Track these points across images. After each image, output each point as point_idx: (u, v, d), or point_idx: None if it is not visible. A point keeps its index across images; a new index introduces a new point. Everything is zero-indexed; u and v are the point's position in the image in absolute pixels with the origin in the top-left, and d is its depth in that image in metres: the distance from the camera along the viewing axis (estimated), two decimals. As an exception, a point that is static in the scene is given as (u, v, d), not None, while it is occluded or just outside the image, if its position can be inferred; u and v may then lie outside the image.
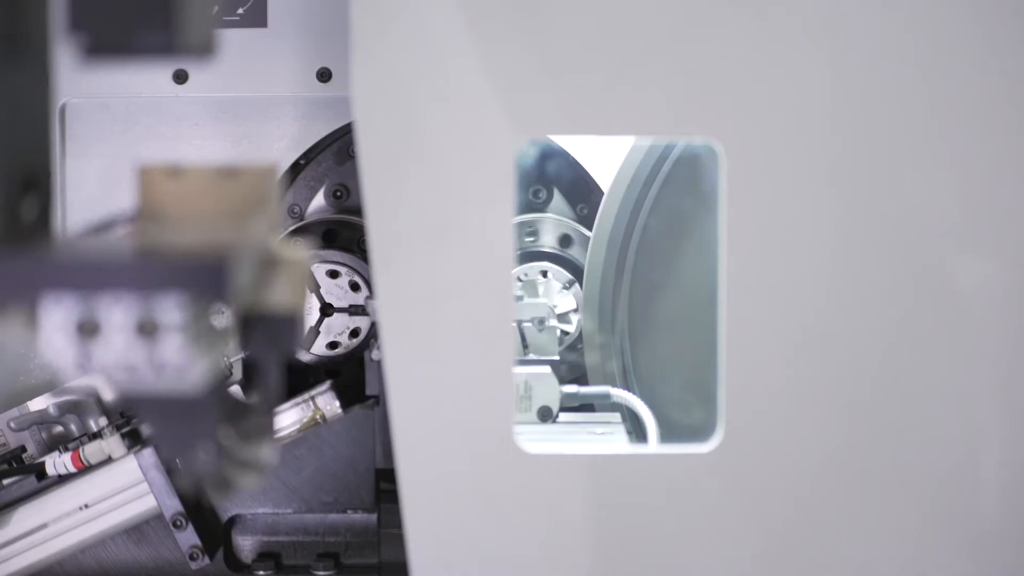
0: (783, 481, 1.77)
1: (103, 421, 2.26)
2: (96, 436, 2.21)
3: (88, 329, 1.11)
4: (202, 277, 1.12)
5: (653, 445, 2.27)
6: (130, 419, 2.29)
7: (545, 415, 2.30)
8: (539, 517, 1.78)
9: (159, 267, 1.12)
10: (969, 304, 1.75)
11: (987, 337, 1.75)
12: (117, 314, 1.11)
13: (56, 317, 1.11)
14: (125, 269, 1.12)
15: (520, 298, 2.47)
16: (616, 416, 2.43)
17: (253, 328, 1.26)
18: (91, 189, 2.38)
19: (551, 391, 2.30)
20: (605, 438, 2.30)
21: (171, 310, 1.11)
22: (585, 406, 2.42)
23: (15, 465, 2.25)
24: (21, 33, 1.16)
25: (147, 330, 1.11)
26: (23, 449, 2.29)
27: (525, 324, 2.40)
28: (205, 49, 1.18)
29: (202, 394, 1.18)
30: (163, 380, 1.13)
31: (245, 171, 1.31)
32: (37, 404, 2.30)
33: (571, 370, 2.56)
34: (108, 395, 2.32)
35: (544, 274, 2.55)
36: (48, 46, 1.21)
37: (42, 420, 2.28)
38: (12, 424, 2.29)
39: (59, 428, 2.29)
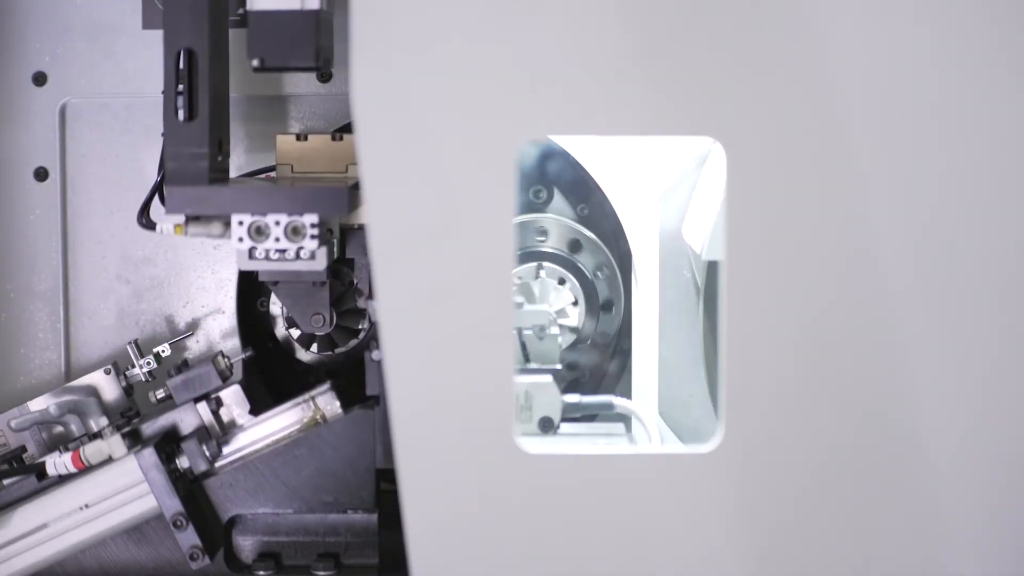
0: (783, 481, 1.77)
1: (103, 421, 2.26)
2: (96, 436, 2.21)
3: (259, 230, 1.98)
4: (328, 198, 1.99)
5: (654, 446, 2.27)
6: (130, 419, 2.29)
7: (546, 426, 2.26)
8: (539, 517, 1.78)
9: (302, 192, 1.99)
10: (969, 303, 1.75)
11: (987, 336, 1.75)
12: (276, 220, 1.97)
13: (240, 223, 1.97)
14: (280, 193, 2.00)
15: (520, 304, 2.45)
16: (620, 427, 2.42)
17: (351, 235, 2.14)
18: (91, 188, 2.38)
19: (552, 401, 2.26)
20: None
21: (308, 218, 1.97)
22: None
23: (15, 465, 2.25)
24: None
25: (294, 230, 1.98)
26: (23, 449, 2.29)
27: (526, 332, 2.37)
28: (328, 64, 2.06)
29: (320, 280, 2.09)
30: (302, 262, 1.97)
31: (346, 138, 2.21)
32: (37, 404, 2.30)
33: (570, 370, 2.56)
34: (108, 395, 2.33)
35: (561, 281, 2.55)
36: None
37: (42, 420, 2.29)
38: (12, 424, 2.29)
39: (59, 428, 2.29)
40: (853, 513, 1.77)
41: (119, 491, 2.18)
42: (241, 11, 2.13)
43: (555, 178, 2.57)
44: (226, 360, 2.26)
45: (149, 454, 2.15)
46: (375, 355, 2.19)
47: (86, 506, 2.18)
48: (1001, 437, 1.77)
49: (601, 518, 1.78)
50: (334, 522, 2.26)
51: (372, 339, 2.29)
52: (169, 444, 2.19)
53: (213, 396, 2.23)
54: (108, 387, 2.32)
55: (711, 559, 1.78)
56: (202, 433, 2.20)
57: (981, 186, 1.74)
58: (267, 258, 1.98)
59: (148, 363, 2.29)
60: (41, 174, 2.37)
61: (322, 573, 2.22)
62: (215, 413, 2.23)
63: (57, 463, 2.17)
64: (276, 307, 2.45)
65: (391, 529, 2.10)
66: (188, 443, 2.18)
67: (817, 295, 1.74)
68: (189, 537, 2.16)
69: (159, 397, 2.23)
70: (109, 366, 2.31)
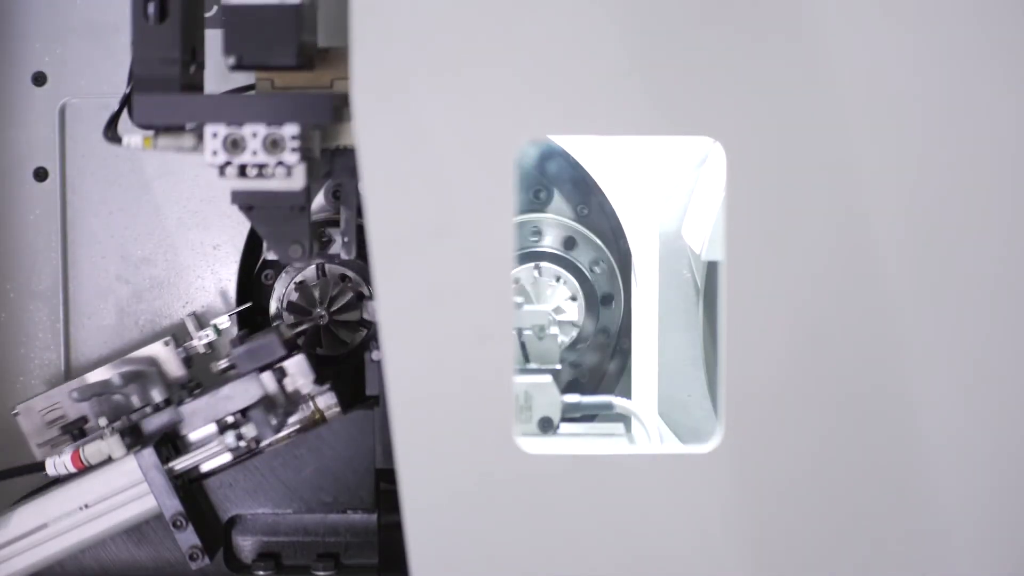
0: (782, 481, 1.77)
1: (163, 392, 2.24)
2: (157, 408, 2.20)
3: (235, 143, 1.80)
4: (311, 105, 1.81)
5: (653, 446, 2.27)
6: (191, 390, 2.27)
7: (546, 426, 2.25)
8: (539, 517, 1.78)
9: (282, 99, 1.84)
10: (970, 304, 1.75)
11: (987, 338, 1.75)
12: (253, 132, 1.80)
13: (214, 135, 1.81)
14: (259, 101, 1.84)
15: (520, 304, 2.44)
16: (619, 427, 2.42)
17: (339, 156, 1.92)
18: (91, 188, 2.38)
19: (552, 401, 2.25)
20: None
21: (289, 129, 1.80)
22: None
23: (75, 434, 2.22)
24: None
25: (272, 143, 1.80)
26: (84, 420, 2.26)
27: (526, 332, 2.37)
28: (307, 66, 1.88)
29: (299, 204, 1.87)
30: (279, 180, 1.81)
31: (331, 51, 1.94)
32: (97, 375, 2.28)
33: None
34: (168, 367, 2.31)
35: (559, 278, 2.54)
36: None
37: (104, 390, 2.25)
38: (74, 394, 2.25)
39: (118, 397, 2.25)
40: (852, 513, 1.77)
41: (119, 491, 2.18)
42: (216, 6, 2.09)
43: (555, 178, 2.57)
44: (290, 331, 2.25)
45: (148, 454, 2.15)
46: (375, 355, 2.19)
47: (86, 506, 2.18)
48: (1001, 438, 1.77)
49: (601, 518, 1.78)
50: (334, 522, 2.26)
51: (372, 339, 2.29)
52: (168, 444, 2.19)
53: (277, 366, 2.20)
54: (168, 359, 2.30)
55: (710, 559, 1.78)
56: (267, 403, 2.18)
57: (982, 187, 1.74)
58: (242, 175, 1.81)
59: (207, 335, 2.29)
60: (41, 174, 2.37)
61: (322, 573, 2.22)
62: (279, 383, 2.20)
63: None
64: (275, 305, 2.45)
65: (391, 529, 2.10)
66: (254, 411, 2.16)
67: (817, 295, 1.74)
68: (189, 537, 2.16)
69: (221, 368, 2.21)
70: (168, 338, 2.30)
